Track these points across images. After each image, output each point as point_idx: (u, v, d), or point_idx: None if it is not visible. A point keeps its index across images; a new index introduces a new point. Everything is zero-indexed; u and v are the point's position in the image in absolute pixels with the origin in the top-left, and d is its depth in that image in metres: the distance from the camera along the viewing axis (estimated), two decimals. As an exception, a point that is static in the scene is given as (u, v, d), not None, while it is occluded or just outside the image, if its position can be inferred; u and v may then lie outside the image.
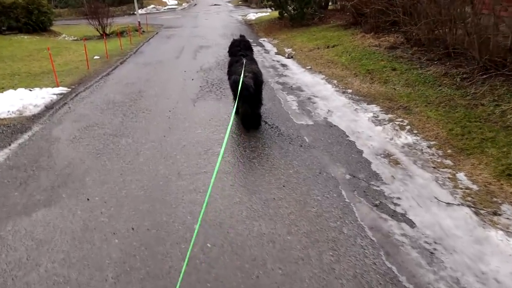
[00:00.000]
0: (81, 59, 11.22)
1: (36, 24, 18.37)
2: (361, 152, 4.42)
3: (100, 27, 16.91)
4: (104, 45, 11.96)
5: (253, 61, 5.43)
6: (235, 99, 4.81)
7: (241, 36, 6.06)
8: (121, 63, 10.55)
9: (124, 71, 9.50)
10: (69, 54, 12.66)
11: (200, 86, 7.41)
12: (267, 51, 11.48)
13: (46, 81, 8.42)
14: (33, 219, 3.31)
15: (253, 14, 22.95)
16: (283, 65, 9.35)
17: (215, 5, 38.42)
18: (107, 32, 17.25)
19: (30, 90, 7.44)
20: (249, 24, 19.64)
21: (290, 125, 5.30)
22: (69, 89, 7.73)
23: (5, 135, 5.33)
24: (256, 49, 10.82)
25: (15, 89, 7.43)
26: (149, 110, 6.18)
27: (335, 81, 7.55)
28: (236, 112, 5.06)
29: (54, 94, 7.29)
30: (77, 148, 4.78)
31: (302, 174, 3.93)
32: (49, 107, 6.57)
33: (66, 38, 18.69)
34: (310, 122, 5.41)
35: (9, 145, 4.99)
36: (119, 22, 23.49)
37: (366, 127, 5.18)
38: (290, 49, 11.44)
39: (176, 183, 3.80)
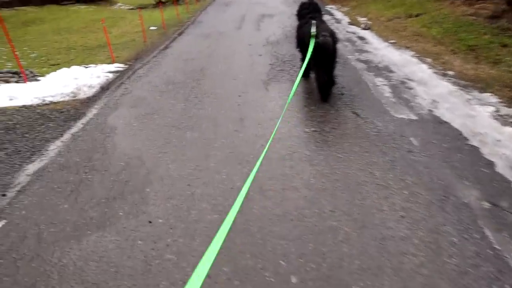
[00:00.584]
0: (137, 30, 10.56)
1: (92, -8, 18.05)
2: (491, 164, 3.29)
3: (156, -5, 16.20)
4: (161, 14, 11.19)
5: (323, 22, 4.98)
6: (303, 60, 4.56)
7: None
8: (179, 35, 9.74)
9: (182, 44, 8.69)
10: (125, 24, 12.06)
11: (270, 64, 6.41)
12: (338, 21, 10.15)
13: (102, 56, 7.82)
14: (84, 248, 2.60)
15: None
16: (361, 38, 8.07)
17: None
18: (163, 0, 16.51)
19: (85, 67, 6.84)
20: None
21: (388, 120, 4.22)
22: (126, 66, 7.05)
23: (57, 123, 4.71)
24: (324, 18, 9.65)
25: (69, 66, 6.87)
26: (215, 94, 5.31)
27: (429, 60, 6.24)
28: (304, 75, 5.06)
29: (110, 72, 6.64)
30: (135, 143, 4.03)
31: (421, 197, 2.90)
32: (105, 88, 5.92)
33: (122, 7, 18.24)
34: (413, 116, 4.29)
35: (62, 135, 4.36)
36: (174, -11, 22.79)
37: (489, 126, 3.97)
38: (365, 19, 10.01)
39: (260, 204, 2.92)
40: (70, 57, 8.03)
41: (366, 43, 7.66)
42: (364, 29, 8.84)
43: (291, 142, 3.80)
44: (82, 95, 5.53)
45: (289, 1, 14.35)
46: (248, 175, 3.25)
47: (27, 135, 4.40)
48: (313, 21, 4.58)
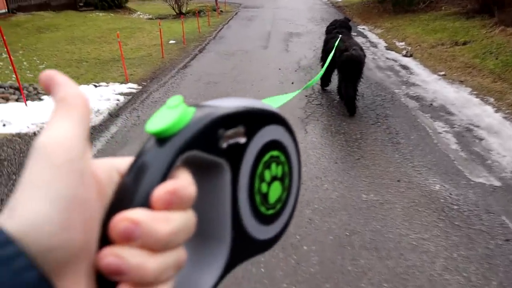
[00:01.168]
0: (155, 43, 9.85)
1: (112, 0, 17.54)
2: None
3: (176, 6, 15.58)
4: (181, 26, 10.48)
5: (351, 37, 5.06)
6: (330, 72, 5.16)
7: (346, 18, 5.73)
8: (200, 51, 8.99)
9: (204, 62, 7.91)
10: (142, 36, 11.39)
11: (306, 96, 5.55)
12: (374, 45, 9.29)
13: (115, 73, 7.06)
14: None
15: (340, -5, 20.43)
16: (404, 67, 7.18)
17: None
18: (184, 11, 15.89)
19: (95, 86, 6.08)
20: (338, 6, 17.27)
21: (464, 185, 3.32)
22: (140, 87, 6.26)
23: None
24: (358, 40, 8.87)
25: (78, 83, 6.11)
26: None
27: (492, 100, 5.34)
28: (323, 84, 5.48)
29: (122, 94, 5.85)
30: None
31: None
32: (114, 115, 5.12)
33: (141, 16, 17.69)
34: (495, 181, 3.38)
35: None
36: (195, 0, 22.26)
37: None
38: (403, 43, 9.15)
39: None
40: (80, 71, 7.31)
41: (412, 73, 6.77)
42: (406, 56, 7.96)
43: (347, 214, 2.92)
44: (87, 124, 4.73)
45: (317, 19, 13.58)
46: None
47: (14, 176, 3.60)
48: (340, 35, 4.68)
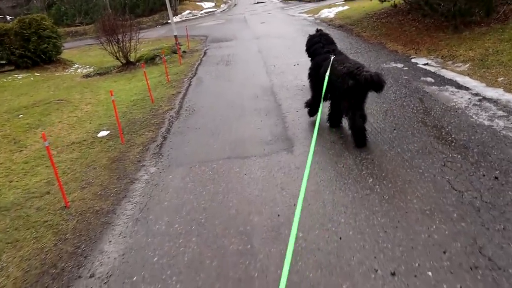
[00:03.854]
0: (75, 138, 5.52)
1: (36, 55, 13.05)
2: None
3: (120, 54, 11.24)
4: (126, 89, 6.12)
5: (345, 55, 4.52)
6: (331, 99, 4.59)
7: (317, 30, 4.93)
8: (153, 161, 4.62)
9: (164, 192, 3.62)
10: (62, 117, 7.01)
11: None
12: (493, 102, 5.01)
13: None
14: None
15: (327, 10, 16.53)
16: None
17: (258, 2, 32.01)
18: (132, 60, 11.56)
19: None
20: (339, 26, 13.10)
21: None
22: None
23: None
24: (452, 96, 4.91)
25: None
26: None
27: None
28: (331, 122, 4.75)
29: None
30: None
31: None
32: None
33: (79, 71, 13.28)
34: None
35: None
36: (150, 36, 17.95)
37: None
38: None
39: None
40: None
41: None
42: None
43: None
44: None
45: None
46: None
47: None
48: (331, 55, 4.34)
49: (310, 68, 4.79)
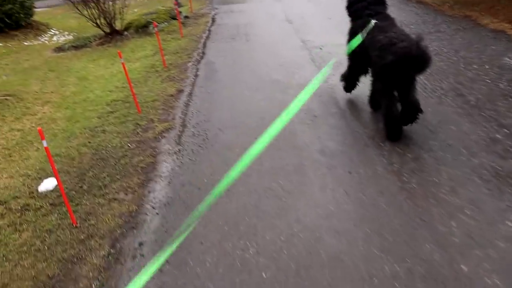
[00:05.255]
0: (11, 195, 3.05)
1: (1, 20, 10.25)
2: None
3: (104, 21, 8.49)
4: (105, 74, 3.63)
5: (391, 22, 3.54)
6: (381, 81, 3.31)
7: None
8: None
9: None
10: (9, 127, 4.51)
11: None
12: None
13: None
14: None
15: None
16: None
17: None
18: (118, 28, 8.83)
19: None
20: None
21: None
22: None
23: None
24: None
25: None
26: None
27: None
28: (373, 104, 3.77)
29: None
30: None
31: None
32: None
33: (55, 39, 10.56)
34: None
35: None
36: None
37: None
38: None
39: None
40: None
41: None
42: None
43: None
44: None
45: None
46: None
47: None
48: (373, 20, 3.46)
49: (348, 33, 3.97)
